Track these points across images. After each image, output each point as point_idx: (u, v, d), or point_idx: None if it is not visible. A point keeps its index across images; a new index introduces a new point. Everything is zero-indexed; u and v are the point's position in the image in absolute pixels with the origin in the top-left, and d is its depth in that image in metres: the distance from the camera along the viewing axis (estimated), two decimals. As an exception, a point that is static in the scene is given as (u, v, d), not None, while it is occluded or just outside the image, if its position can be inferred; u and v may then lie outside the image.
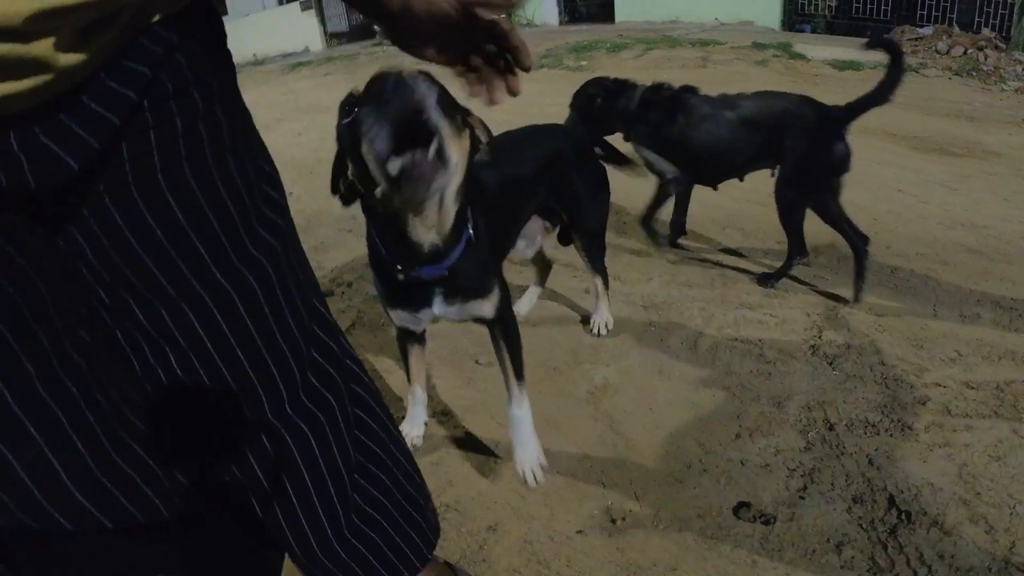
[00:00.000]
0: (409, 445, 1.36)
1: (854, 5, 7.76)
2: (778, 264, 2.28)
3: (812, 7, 8.10)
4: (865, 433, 1.55)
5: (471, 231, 1.18)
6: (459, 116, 0.98)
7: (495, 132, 1.24)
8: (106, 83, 0.56)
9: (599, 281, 1.97)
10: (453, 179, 0.97)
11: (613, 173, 1.94)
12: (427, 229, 1.09)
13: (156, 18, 0.58)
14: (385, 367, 1.96)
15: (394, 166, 0.85)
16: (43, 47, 0.49)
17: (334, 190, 1.09)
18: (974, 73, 5.49)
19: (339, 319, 1.53)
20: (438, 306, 1.26)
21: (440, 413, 1.74)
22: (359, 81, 0.93)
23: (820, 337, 1.95)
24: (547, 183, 1.67)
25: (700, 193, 2.46)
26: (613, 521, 1.36)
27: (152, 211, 0.62)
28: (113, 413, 0.70)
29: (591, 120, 2.32)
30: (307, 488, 0.82)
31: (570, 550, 1.31)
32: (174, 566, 0.84)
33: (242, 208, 0.69)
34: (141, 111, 0.59)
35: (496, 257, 1.42)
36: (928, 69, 5.60)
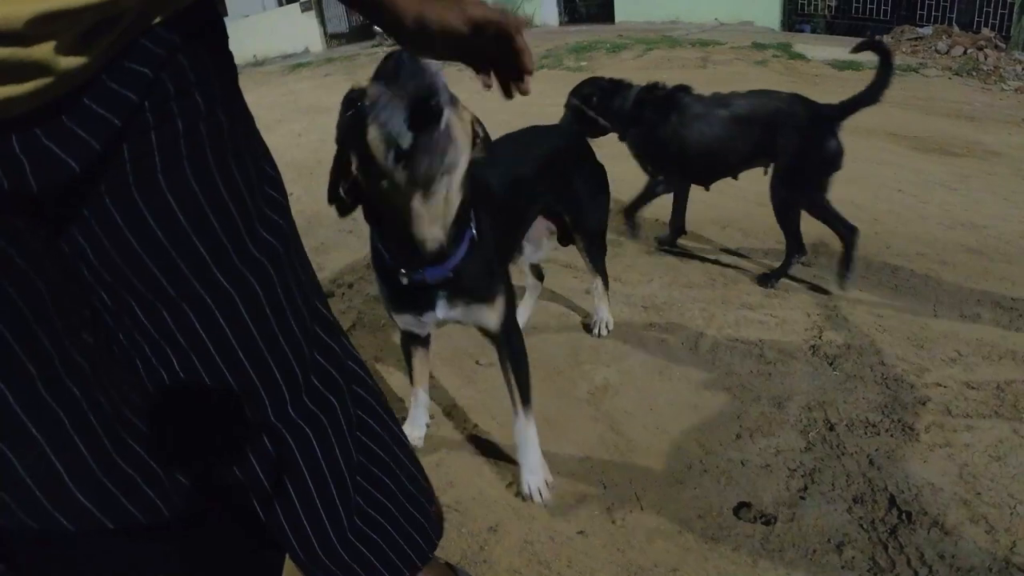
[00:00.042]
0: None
1: (854, 5, 7.76)
2: (778, 264, 2.28)
3: (812, 7, 8.10)
4: (866, 433, 1.55)
5: (474, 232, 1.17)
6: (459, 105, 0.99)
7: (495, 133, 1.24)
8: (107, 84, 0.56)
9: (599, 282, 1.97)
10: (460, 160, 0.97)
11: (613, 174, 1.94)
12: (432, 222, 1.07)
13: (157, 20, 0.58)
14: (386, 368, 1.96)
15: (406, 139, 0.84)
16: (44, 50, 0.49)
17: (331, 198, 1.06)
18: (974, 73, 5.49)
19: (340, 320, 1.53)
20: (442, 309, 1.25)
21: (441, 414, 1.74)
22: (359, 81, 0.93)
23: (820, 337, 1.95)
24: (549, 184, 1.66)
25: (700, 194, 2.46)
26: (614, 521, 1.36)
27: (152, 212, 0.62)
28: (115, 414, 0.70)
29: (586, 120, 2.32)
30: (309, 490, 0.82)
31: (571, 551, 1.31)
32: (175, 566, 0.84)
33: (243, 209, 0.69)
34: (142, 112, 0.59)
35: (502, 262, 1.41)
36: (928, 69, 5.61)
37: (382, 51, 9.22)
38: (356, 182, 1.02)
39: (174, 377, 0.70)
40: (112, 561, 0.77)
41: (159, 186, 0.62)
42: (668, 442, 1.58)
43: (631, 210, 2.42)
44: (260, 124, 0.77)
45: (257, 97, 6.89)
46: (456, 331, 2.02)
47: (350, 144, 0.97)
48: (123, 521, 0.72)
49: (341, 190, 1.04)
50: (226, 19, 0.71)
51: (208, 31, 0.66)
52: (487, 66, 0.82)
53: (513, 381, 1.40)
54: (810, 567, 1.23)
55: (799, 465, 1.47)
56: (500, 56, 0.79)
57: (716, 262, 2.47)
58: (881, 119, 4.14)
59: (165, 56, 0.59)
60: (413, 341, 1.52)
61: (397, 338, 2.06)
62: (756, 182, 2.32)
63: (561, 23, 10.31)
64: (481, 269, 1.23)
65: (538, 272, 2.12)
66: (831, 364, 1.82)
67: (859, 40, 2.30)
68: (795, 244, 2.19)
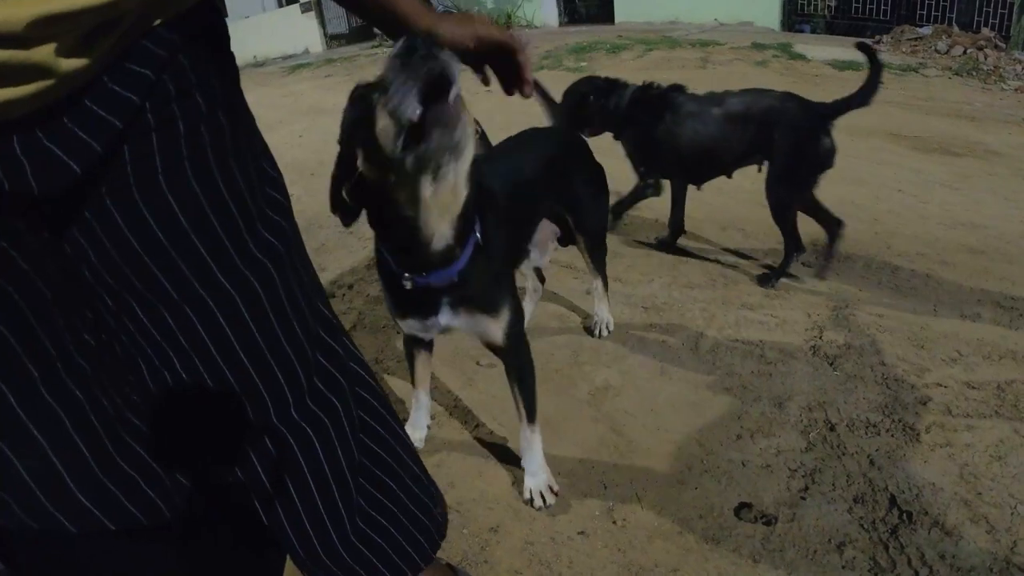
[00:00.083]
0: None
1: (853, 5, 7.76)
2: (778, 264, 2.28)
3: (811, 7, 8.10)
4: (866, 433, 1.55)
5: (478, 236, 1.15)
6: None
7: (494, 134, 1.23)
8: (108, 86, 0.56)
9: (600, 282, 1.97)
10: (468, 141, 0.95)
11: (612, 174, 1.94)
12: (440, 216, 1.04)
13: (158, 21, 0.58)
14: (386, 369, 1.96)
15: (417, 112, 0.83)
16: (44, 53, 0.49)
17: (334, 205, 1.03)
18: (974, 73, 5.49)
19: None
20: (446, 316, 1.23)
21: (441, 415, 1.74)
22: (366, 78, 0.93)
23: (821, 337, 1.95)
24: (551, 186, 1.65)
25: (701, 194, 2.46)
26: (614, 522, 1.36)
27: (153, 212, 0.62)
28: (116, 414, 0.70)
29: (581, 119, 2.33)
30: (311, 491, 0.82)
31: (572, 551, 1.31)
32: (175, 566, 0.84)
33: (244, 209, 0.68)
34: (143, 113, 0.59)
35: (509, 271, 1.38)
36: (928, 69, 5.61)
37: (382, 52, 9.23)
38: (360, 182, 1.00)
39: (176, 378, 0.70)
40: (112, 561, 0.77)
41: (160, 187, 0.62)
42: (669, 442, 1.58)
43: (618, 209, 2.43)
44: (260, 125, 0.77)
45: (257, 98, 6.88)
46: (457, 332, 2.02)
47: (357, 137, 0.95)
48: (124, 521, 0.72)
49: (344, 193, 1.01)
50: (226, 20, 0.71)
51: (210, 32, 0.66)
52: (484, 71, 0.93)
53: (519, 395, 1.40)
54: (811, 567, 1.23)
55: (800, 465, 1.47)
56: (502, 67, 0.92)
57: (716, 262, 2.48)
58: (881, 119, 4.14)
59: (166, 57, 0.59)
60: (416, 344, 1.52)
61: (397, 339, 2.06)
62: (756, 182, 2.32)
63: (561, 24, 10.30)
64: (487, 277, 1.21)
65: (540, 275, 2.12)
66: (832, 364, 1.82)
67: (859, 40, 2.32)
68: (793, 242, 2.19)
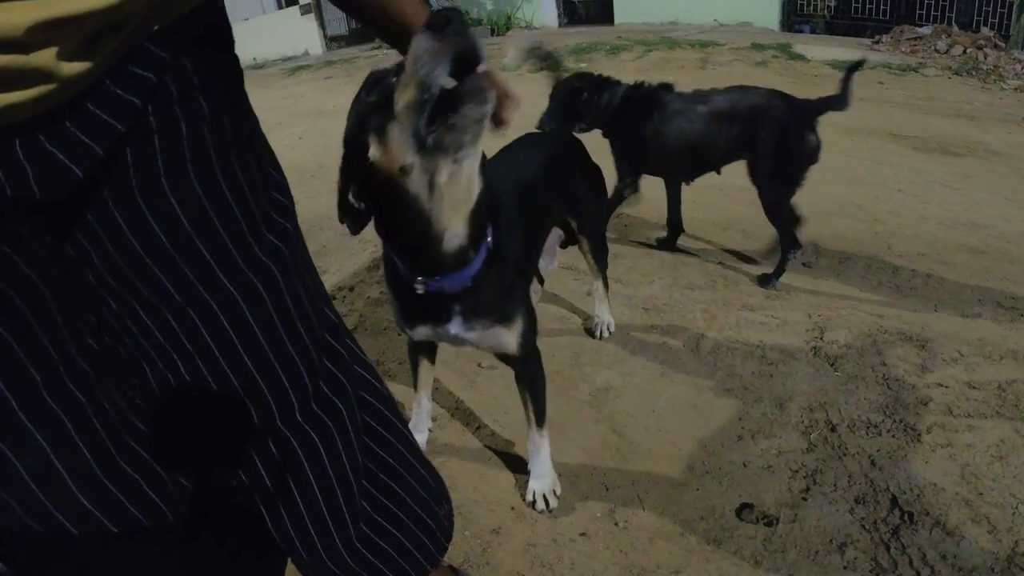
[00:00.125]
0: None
1: (853, 5, 7.75)
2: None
3: (811, 7, 8.10)
4: (867, 434, 1.55)
5: (489, 240, 1.11)
6: None
7: (496, 136, 1.23)
8: (111, 89, 0.55)
9: (600, 284, 1.97)
10: (485, 127, 0.91)
11: (611, 175, 1.94)
12: (454, 211, 0.99)
13: (162, 23, 0.58)
14: (387, 372, 1.96)
15: (449, 83, 0.80)
16: (45, 57, 0.49)
17: (342, 212, 0.98)
18: (973, 72, 5.49)
19: (341, 323, 1.53)
20: (457, 325, 1.20)
21: (443, 417, 1.74)
22: (359, 84, 0.93)
23: (822, 338, 1.95)
24: (555, 190, 1.64)
25: (701, 195, 2.47)
26: (616, 524, 1.36)
27: (155, 215, 0.62)
28: (119, 418, 0.70)
29: (572, 115, 2.33)
30: (315, 496, 0.81)
31: (573, 553, 1.31)
32: (176, 568, 0.83)
33: (248, 212, 0.68)
34: (145, 116, 0.58)
35: (523, 279, 1.34)
36: (927, 68, 5.61)
37: (382, 54, 9.24)
38: (367, 181, 0.96)
39: (179, 380, 0.70)
40: (113, 562, 0.77)
41: (162, 190, 0.62)
42: (670, 444, 1.58)
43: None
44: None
45: (257, 100, 6.80)
46: (468, 346, 2.02)
47: (371, 123, 0.90)
48: (125, 523, 0.72)
49: (351, 195, 0.97)
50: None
51: (213, 34, 0.66)
52: None
53: (529, 401, 1.39)
54: (812, 568, 1.23)
55: (801, 466, 1.47)
56: None
57: (717, 263, 2.48)
58: (881, 119, 4.15)
59: (168, 59, 0.59)
60: (420, 349, 1.51)
61: (398, 342, 2.06)
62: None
63: (560, 24, 10.31)
64: (501, 284, 1.18)
65: (539, 276, 2.12)
66: (832, 365, 1.82)
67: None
68: (789, 239, 2.20)
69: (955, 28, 6.52)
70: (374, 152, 0.91)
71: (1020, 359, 1.78)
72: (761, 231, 2.66)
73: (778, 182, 2.14)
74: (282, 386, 0.75)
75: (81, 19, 0.49)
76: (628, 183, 2.38)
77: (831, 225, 2.72)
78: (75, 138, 0.55)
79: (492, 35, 9.78)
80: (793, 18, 8.22)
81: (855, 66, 2.16)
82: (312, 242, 2.89)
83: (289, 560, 0.94)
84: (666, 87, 2.30)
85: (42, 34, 0.48)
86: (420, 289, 1.09)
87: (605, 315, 2.03)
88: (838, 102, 2.09)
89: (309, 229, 3.02)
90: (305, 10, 11.72)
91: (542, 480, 1.43)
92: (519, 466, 1.52)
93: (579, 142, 1.91)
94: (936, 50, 6.07)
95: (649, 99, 2.27)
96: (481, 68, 0.80)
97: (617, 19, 9.64)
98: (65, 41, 0.50)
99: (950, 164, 3.47)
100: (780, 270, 2.25)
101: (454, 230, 1.02)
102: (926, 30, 6.57)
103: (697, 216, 2.74)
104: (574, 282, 2.38)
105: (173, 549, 0.82)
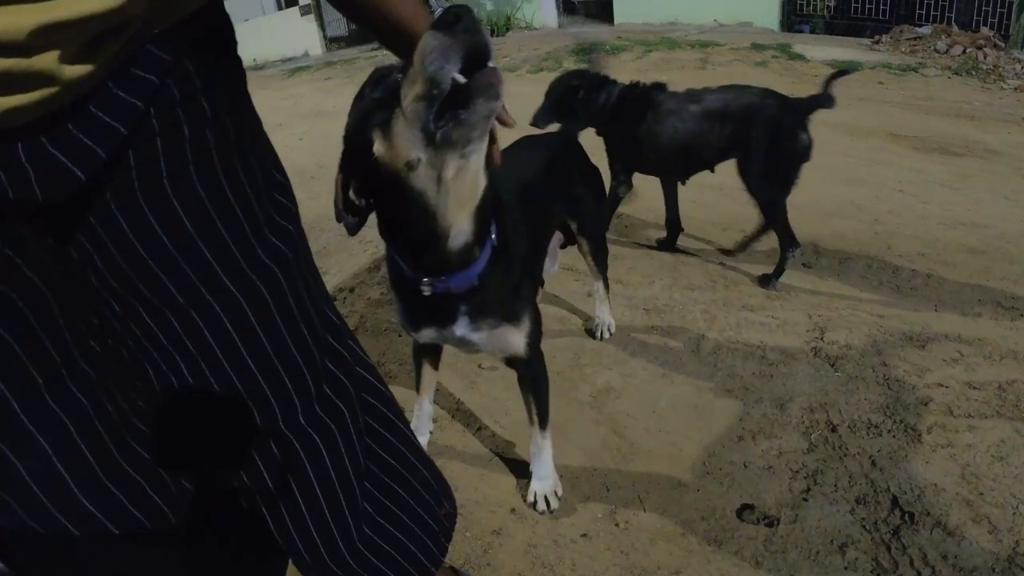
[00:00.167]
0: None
1: (853, 5, 7.75)
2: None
3: (811, 7, 8.10)
4: (868, 434, 1.55)
5: (494, 238, 1.10)
6: None
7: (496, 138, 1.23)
8: (113, 92, 0.55)
9: (601, 285, 1.97)
10: (491, 121, 0.90)
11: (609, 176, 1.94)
12: (460, 206, 0.98)
13: (164, 25, 0.58)
14: (388, 373, 1.96)
15: (460, 78, 0.81)
16: (47, 60, 0.49)
17: (343, 209, 0.96)
18: (973, 72, 5.49)
19: (342, 324, 1.53)
20: (463, 326, 1.18)
21: (444, 418, 1.74)
22: (359, 85, 0.93)
23: (822, 339, 1.95)
24: (556, 192, 1.64)
25: (700, 195, 2.47)
26: (617, 524, 1.37)
27: (158, 217, 0.62)
28: (122, 420, 0.70)
29: (567, 112, 2.33)
30: (317, 499, 0.81)
31: (574, 554, 1.31)
32: (178, 569, 0.84)
33: (251, 214, 0.68)
34: (148, 118, 0.58)
35: (529, 280, 1.33)
36: (927, 68, 5.60)
37: (381, 55, 9.23)
38: (369, 179, 0.94)
39: (182, 383, 0.70)
40: (114, 563, 0.77)
41: (164, 192, 0.62)
42: (671, 445, 1.58)
43: None
44: (260, 128, 0.77)
45: (257, 101, 6.73)
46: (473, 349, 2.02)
47: (376, 119, 0.89)
48: (127, 525, 0.72)
49: (352, 193, 0.96)
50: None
51: (215, 36, 0.66)
52: None
53: (533, 403, 1.39)
54: (813, 568, 1.23)
55: (801, 467, 1.47)
56: None
57: (717, 263, 2.48)
58: (881, 119, 4.15)
59: (171, 62, 0.59)
60: (425, 352, 1.50)
61: (399, 343, 2.07)
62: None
63: (560, 24, 10.31)
64: (507, 282, 1.17)
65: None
66: (833, 365, 1.83)
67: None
68: (787, 238, 2.20)
69: (955, 28, 6.51)
70: (378, 148, 0.90)
71: (1020, 359, 1.78)
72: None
73: (772, 181, 2.14)
74: (285, 388, 0.75)
75: (82, 22, 0.49)
76: (621, 181, 2.40)
77: (831, 225, 2.72)
78: (77, 140, 0.55)
79: (492, 35, 9.78)
80: (793, 18, 8.21)
81: (839, 73, 2.23)
82: (313, 243, 2.87)
83: (291, 561, 0.94)
84: (659, 86, 2.31)
85: (44, 37, 0.48)
86: (427, 291, 1.08)
87: (606, 316, 2.03)
88: (825, 100, 2.12)
89: (310, 230, 2.99)
90: (305, 11, 11.72)
91: (544, 481, 1.43)
92: (520, 467, 1.52)
93: (578, 144, 1.91)
94: (936, 50, 6.07)
95: (643, 98, 2.27)
96: (490, 64, 0.80)
97: (617, 19, 9.63)
98: (67, 44, 0.50)
99: (950, 164, 3.47)
100: (780, 270, 2.25)
101: (460, 226, 1.01)
102: (926, 30, 6.57)
103: (697, 216, 2.75)
104: (574, 283, 2.38)
105: (175, 551, 0.82)
